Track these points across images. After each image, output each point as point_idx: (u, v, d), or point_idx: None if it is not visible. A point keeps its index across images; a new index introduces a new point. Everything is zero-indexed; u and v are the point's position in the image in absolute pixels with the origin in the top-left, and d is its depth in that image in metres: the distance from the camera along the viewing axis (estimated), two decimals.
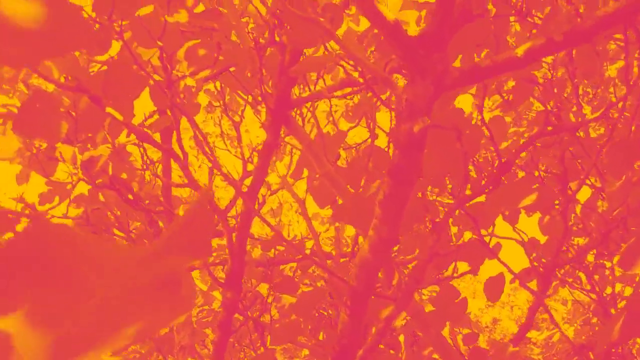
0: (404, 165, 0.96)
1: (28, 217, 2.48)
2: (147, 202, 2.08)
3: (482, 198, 1.54)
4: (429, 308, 1.88)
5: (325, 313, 2.84)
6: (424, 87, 0.89)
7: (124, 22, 1.56)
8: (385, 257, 1.07)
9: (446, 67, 0.89)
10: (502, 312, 7.11)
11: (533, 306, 1.65)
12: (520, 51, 0.83)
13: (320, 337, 2.55)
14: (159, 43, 1.37)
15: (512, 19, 2.44)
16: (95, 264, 0.32)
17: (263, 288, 2.84)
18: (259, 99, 2.44)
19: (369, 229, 1.04)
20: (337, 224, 2.73)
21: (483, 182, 1.83)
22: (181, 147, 1.45)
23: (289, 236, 3.56)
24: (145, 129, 2.14)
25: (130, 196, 2.15)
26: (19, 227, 2.72)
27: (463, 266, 1.92)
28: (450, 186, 1.71)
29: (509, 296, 6.95)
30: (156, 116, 2.39)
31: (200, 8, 1.50)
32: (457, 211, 1.49)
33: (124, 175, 1.91)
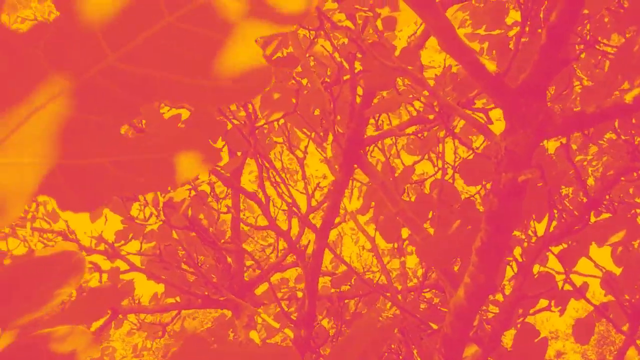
0: (503, 213, 0.95)
1: (105, 254, 2.58)
2: (222, 241, 2.13)
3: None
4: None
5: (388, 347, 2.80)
6: (525, 136, 0.89)
7: None
8: (481, 304, 1.06)
9: (548, 116, 0.88)
10: (567, 345, 6.80)
11: (622, 347, 1.58)
12: (629, 98, 0.82)
13: None
14: None
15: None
16: None
17: (324, 321, 2.83)
18: (322, 134, 2.48)
19: (465, 275, 1.04)
20: (402, 258, 2.70)
21: (566, 218, 1.78)
22: (264, 191, 1.49)
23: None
24: (220, 169, 2.21)
25: (201, 233, 2.20)
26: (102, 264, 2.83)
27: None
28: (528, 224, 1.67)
29: None
30: (225, 157, 2.46)
31: (278, 54, 1.56)
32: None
33: (201, 216, 1.97)
